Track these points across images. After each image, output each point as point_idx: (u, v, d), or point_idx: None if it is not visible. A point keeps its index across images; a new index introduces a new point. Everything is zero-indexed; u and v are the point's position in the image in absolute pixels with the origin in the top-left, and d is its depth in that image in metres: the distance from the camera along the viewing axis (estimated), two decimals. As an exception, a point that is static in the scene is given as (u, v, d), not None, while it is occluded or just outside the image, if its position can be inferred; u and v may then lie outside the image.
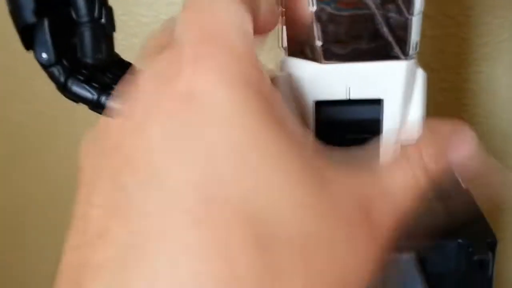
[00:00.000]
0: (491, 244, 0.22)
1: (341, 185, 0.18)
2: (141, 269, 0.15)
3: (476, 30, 0.48)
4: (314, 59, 0.22)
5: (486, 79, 0.50)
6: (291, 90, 0.23)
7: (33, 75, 0.56)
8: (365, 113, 0.23)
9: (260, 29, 0.20)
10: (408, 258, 0.22)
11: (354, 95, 0.22)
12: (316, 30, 0.21)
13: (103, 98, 0.21)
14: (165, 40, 0.19)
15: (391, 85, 0.22)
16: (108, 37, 0.20)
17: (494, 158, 0.53)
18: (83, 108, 0.55)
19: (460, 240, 0.22)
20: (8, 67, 0.58)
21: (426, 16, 0.47)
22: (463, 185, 0.27)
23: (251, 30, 0.19)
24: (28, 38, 0.20)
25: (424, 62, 0.48)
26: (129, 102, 0.18)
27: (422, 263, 0.22)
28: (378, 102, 0.22)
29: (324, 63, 0.22)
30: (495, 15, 0.47)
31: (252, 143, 0.16)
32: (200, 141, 0.16)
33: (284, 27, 0.23)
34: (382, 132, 0.23)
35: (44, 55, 0.20)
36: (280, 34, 0.23)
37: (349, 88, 0.22)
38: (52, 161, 0.63)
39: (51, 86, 0.56)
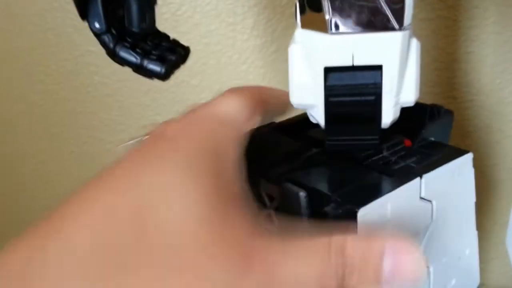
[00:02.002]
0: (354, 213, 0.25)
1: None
2: None
3: (466, 13, 0.52)
4: (323, 30, 0.25)
5: (475, 59, 0.53)
6: (304, 58, 0.27)
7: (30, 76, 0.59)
8: (368, 77, 0.26)
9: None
10: (300, 192, 0.26)
11: (358, 62, 0.26)
12: (326, 5, 0.25)
13: (145, 62, 0.24)
14: None
15: (389, 53, 0.25)
16: (151, 9, 0.23)
17: (483, 133, 0.56)
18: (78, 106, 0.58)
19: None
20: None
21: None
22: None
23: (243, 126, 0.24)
24: (83, 10, 0.23)
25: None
26: None
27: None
28: (378, 68, 0.26)
29: (332, 34, 0.25)
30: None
31: (193, 250, 0.19)
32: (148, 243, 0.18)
33: (297, 3, 0.27)
34: (382, 94, 0.26)
35: (97, 25, 0.23)
36: (294, 10, 0.27)
37: (353, 55, 0.26)
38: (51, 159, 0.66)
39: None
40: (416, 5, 0.51)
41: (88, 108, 0.64)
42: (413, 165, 0.28)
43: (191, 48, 0.59)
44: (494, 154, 0.57)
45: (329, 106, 0.27)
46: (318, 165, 0.29)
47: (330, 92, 0.26)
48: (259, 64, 0.58)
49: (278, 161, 0.29)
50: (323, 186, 0.26)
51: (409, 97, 0.27)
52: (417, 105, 0.28)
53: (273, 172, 0.28)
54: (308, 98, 0.27)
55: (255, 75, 0.58)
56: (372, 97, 0.26)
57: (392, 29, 0.25)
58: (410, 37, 0.26)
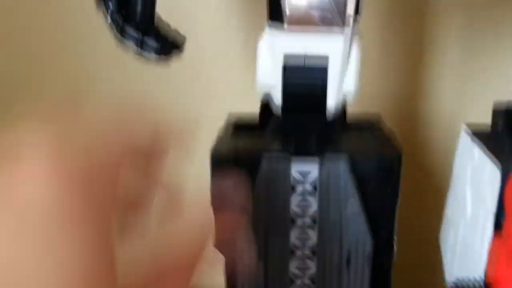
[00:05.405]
0: (398, 155, 0.33)
1: None
2: None
3: (432, 45, 0.59)
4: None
5: (435, 87, 0.60)
6: (269, 48, 0.34)
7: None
8: (317, 64, 0.33)
9: None
10: (343, 164, 0.33)
11: (310, 51, 0.33)
12: (285, 7, 0.32)
13: (145, 38, 0.32)
14: None
15: (334, 47, 0.33)
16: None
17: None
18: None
19: (377, 152, 0.34)
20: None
21: (389, 31, 0.57)
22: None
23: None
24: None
25: (385, 70, 0.58)
26: None
27: (352, 166, 0.33)
28: (325, 58, 0.33)
29: (290, 29, 0.33)
30: (448, 34, 0.58)
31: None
32: None
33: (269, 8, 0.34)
34: (328, 80, 0.34)
35: (110, 5, 0.31)
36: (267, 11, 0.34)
37: (306, 46, 0.33)
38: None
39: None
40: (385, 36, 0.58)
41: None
42: None
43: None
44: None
45: (286, 86, 0.34)
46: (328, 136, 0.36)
47: (287, 74, 0.34)
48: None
49: (293, 140, 0.35)
50: (356, 150, 0.34)
51: (350, 86, 0.34)
52: None
53: (305, 148, 0.34)
54: (271, 78, 0.34)
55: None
56: (320, 81, 0.34)
57: (337, 24, 0.32)
58: (353, 36, 0.34)
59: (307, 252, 0.35)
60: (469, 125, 0.42)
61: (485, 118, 0.56)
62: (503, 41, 0.57)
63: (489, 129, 0.41)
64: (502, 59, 0.58)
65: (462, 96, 0.60)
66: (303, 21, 0.32)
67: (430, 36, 0.58)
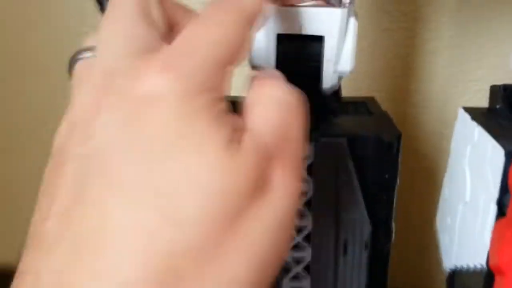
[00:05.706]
0: (397, 135, 0.32)
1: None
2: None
3: (427, 26, 0.58)
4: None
5: (429, 69, 0.59)
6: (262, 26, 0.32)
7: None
8: (312, 46, 0.32)
9: None
10: (342, 141, 0.32)
11: (305, 32, 0.31)
12: (279, -18, 0.31)
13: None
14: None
15: (330, 26, 0.31)
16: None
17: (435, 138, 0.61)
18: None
19: (375, 132, 0.33)
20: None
21: (384, 11, 0.56)
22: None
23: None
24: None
25: (379, 51, 0.57)
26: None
27: (350, 148, 0.32)
28: (320, 38, 0.32)
29: (284, 6, 0.31)
30: (444, 14, 0.57)
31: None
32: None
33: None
34: (324, 61, 0.32)
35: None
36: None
37: (301, 26, 0.31)
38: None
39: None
40: (379, 16, 0.57)
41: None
42: None
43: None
44: (444, 159, 0.62)
45: (279, 68, 0.32)
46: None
47: (280, 56, 0.32)
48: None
49: None
50: (354, 130, 0.33)
51: (346, 66, 0.32)
52: None
53: None
54: (263, 60, 0.32)
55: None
56: (315, 63, 0.32)
57: (333, 5, 0.31)
58: (349, 15, 0.32)
59: (302, 240, 0.34)
60: (466, 109, 0.41)
61: (479, 102, 0.55)
62: (501, 20, 0.56)
63: (486, 111, 0.40)
64: (497, 39, 0.57)
65: (458, 77, 0.59)
66: (299, 1, 0.31)
67: (425, 14, 0.57)
